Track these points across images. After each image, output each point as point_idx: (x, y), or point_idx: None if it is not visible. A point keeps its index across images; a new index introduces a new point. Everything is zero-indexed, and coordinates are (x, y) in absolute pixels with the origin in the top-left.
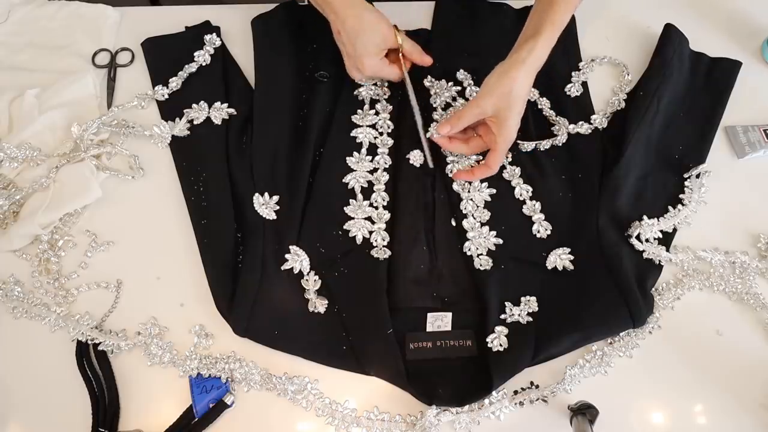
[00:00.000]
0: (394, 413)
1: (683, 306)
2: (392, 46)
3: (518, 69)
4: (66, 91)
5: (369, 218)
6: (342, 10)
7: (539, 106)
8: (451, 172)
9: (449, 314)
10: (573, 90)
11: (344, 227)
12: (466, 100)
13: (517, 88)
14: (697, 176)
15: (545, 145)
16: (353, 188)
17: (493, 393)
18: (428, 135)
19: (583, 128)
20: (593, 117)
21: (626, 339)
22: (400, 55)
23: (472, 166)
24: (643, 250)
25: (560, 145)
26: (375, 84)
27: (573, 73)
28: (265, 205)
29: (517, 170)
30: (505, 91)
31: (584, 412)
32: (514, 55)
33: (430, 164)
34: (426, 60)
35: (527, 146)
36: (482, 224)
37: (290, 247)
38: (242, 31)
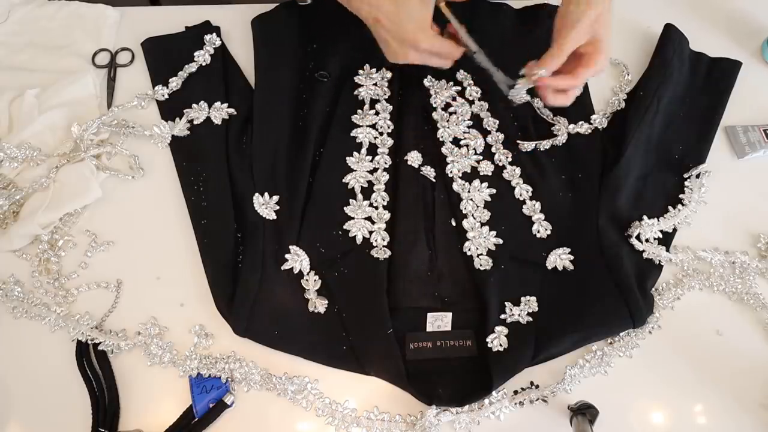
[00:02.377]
0: (394, 413)
1: (683, 306)
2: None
3: None
4: (66, 91)
5: (369, 218)
6: None
7: (535, 105)
8: (450, 172)
9: (449, 314)
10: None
11: (344, 227)
12: (466, 100)
13: (608, 9)
14: (697, 176)
15: (545, 145)
16: (353, 188)
17: (493, 393)
18: (534, 76)
19: (583, 128)
20: (593, 117)
21: (626, 339)
22: (443, 4)
23: (477, 162)
24: (643, 250)
25: (560, 145)
26: (375, 84)
27: None
28: (265, 205)
29: (517, 170)
30: (599, 8)
31: (584, 412)
32: None
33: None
34: None
35: (527, 146)
36: (482, 224)
37: (290, 247)
38: (242, 31)
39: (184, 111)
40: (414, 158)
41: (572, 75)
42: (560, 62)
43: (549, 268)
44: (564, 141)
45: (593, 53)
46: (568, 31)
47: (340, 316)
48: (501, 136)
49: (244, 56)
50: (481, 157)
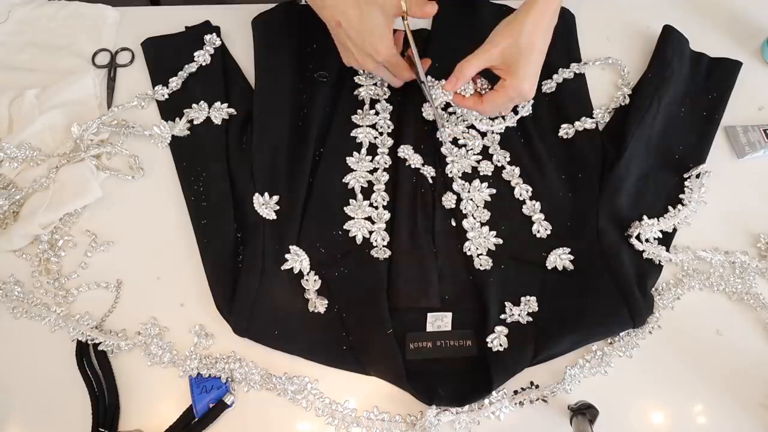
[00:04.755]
0: (394, 413)
1: (683, 306)
2: (397, 13)
3: (526, 15)
4: (66, 91)
5: (369, 218)
6: (338, 2)
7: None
8: (450, 172)
9: (449, 314)
10: (567, 75)
11: (344, 227)
12: None
13: (527, 35)
14: (697, 176)
15: (498, 126)
16: (353, 188)
17: (493, 393)
18: (436, 102)
19: (587, 123)
20: (595, 111)
21: (626, 339)
22: (406, 24)
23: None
24: (643, 250)
25: (528, 116)
26: (375, 84)
27: (572, 64)
28: (265, 205)
29: (517, 170)
30: (514, 36)
31: (584, 412)
32: (522, 7)
33: (441, 128)
34: (428, 11)
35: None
36: (482, 224)
37: (290, 247)
38: (242, 31)
39: (184, 111)
40: (415, 159)
41: (480, 99)
42: (461, 83)
43: (549, 268)
44: (524, 114)
45: (504, 76)
46: (477, 51)
47: (340, 316)
48: (498, 137)
49: (244, 56)
50: (480, 157)
